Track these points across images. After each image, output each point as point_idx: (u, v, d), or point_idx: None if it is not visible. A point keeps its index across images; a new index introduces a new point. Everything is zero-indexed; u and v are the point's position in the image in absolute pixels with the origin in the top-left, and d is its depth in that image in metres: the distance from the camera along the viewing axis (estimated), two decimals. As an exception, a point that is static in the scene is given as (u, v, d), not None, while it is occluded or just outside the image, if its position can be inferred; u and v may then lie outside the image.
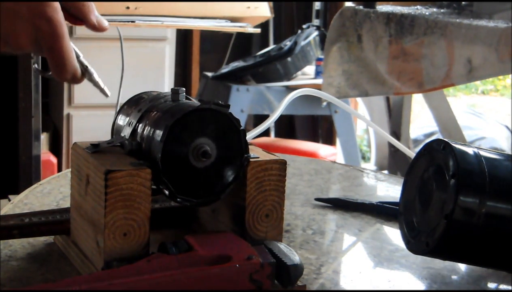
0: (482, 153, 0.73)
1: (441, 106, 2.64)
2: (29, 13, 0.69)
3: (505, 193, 0.71)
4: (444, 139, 0.74)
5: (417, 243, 0.74)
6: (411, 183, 0.79)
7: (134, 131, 0.74)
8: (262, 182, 0.73)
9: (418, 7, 2.22)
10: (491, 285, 0.79)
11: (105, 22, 0.77)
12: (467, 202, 0.69)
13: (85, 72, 0.76)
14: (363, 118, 1.72)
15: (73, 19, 0.76)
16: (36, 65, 0.81)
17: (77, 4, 0.75)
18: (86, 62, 0.76)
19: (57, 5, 0.71)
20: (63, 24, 0.72)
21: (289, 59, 3.23)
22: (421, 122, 4.18)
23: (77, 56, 0.75)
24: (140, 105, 0.76)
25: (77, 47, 0.76)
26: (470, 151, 0.72)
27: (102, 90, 0.78)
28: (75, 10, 0.76)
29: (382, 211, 0.98)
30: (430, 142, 0.76)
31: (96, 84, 0.78)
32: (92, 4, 0.76)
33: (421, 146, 0.78)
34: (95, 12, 0.77)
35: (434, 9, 2.18)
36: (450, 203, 0.69)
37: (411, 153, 1.18)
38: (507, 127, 4.07)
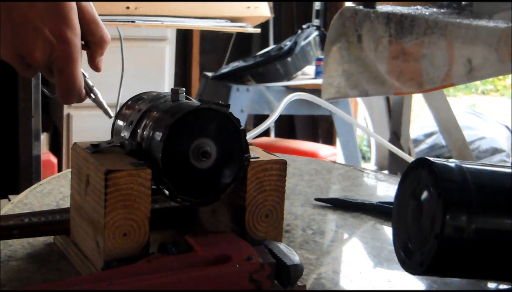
0: (466, 166, 0.72)
1: (441, 106, 2.64)
2: (50, 31, 0.70)
3: (492, 206, 0.70)
4: (427, 158, 0.73)
5: (412, 263, 0.74)
6: (401, 203, 0.78)
7: (134, 131, 0.74)
8: (262, 182, 0.73)
9: (418, 7, 2.22)
10: (491, 285, 0.79)
11: (101, 66, 0.78)
12: (455, 220, 0.68)
13: (90, 93, 0.77)
14: (360, 126, 1.71)
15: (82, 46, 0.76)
16: (44, 86, 0.81)
17: (97, 37, 0.76)
18: (91, 83, 0.77)
19: (78, 29, 0.72)
20: (79, 49, 0.72)
21: (289, 59, 3.23)
22: (421, 122, 4.18)
23: (84, 77, 0.75)
24: (140, 105, 0.76)
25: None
26: (453, 166, 0.71)
27: (106, 111, 0.79)
28: (91, 38, 0.76)
29: (382, 211, 0.98)
30: (414, 161, 0.76)
31: (100, 105, 0.79)
32: (107, 44, 0.77)
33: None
34: (103, 51, 0.77)
35: (434, 9, 2.18)
36: (439, 222, 0.69)
37: (410, 158, 1.18)
38: (507, 127, 4.07)
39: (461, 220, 0.68)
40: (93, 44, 0.76)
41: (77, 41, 0.72)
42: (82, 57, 0.73)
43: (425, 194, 0.73)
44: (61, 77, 0.72)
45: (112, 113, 0.79)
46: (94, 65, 0.78)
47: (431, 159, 0.73)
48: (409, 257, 0.74)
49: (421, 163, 0.74)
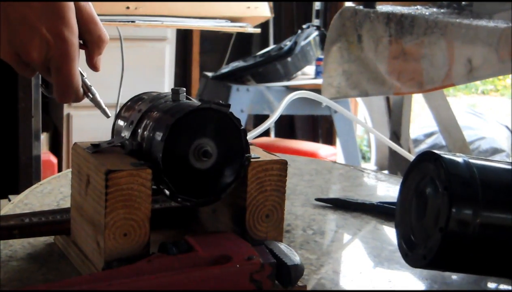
0: (473, 161, 0.72)
1: (441, 106, 2.64)
2: (47, 30, 0.70)
3: (498, 202, 0.70)
4: (434, 151, 0.74)
5: (414, 256, 0.74)
6: (405, 195, 0.78)
7: (135, 131, 0.74)
8: (262, 182, 0.73)
9: (418, 7, 2.22)
10: (491, 285, 0.79)
11: (99, 65, 0.78)
12: (461, 214, 0.69)
13: (87, 93, 0.77)
14: (362, 123, 1.71)
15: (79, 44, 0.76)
16: (42, 86, 0.81)
17: (95, 36, 0.75)
18: (89, 83, 0.77)
19: (75, 28, 0.72)
20: (77, 48, 0.72)
21: (289, 59, 3.23)
22: (421, 122, 4.18)
23: (82, 77, 0.75)
24: (140, 105, 0.76)
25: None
26: (461, 161, 0.72)
27: (103, 111, 0.79)
28: (89, 38, 0.76)
29: (382, 211, 0.98)
30: (421, 154, 0.76)
31: (97, 104, 0.78)
32: (105, 43, 0.77)
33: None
34: (101, 50, 0.77)
35: (434, 9, 2.18)
36: (444, 216, 0.69)
37: (411, 156, 1.18)
38: (507, 127, 4.07)
39: (467, 214, 0.69)
40: (91, 43, 0.76)
41: (75, 40, 0.71)
42: (79, 56, 0.73)
43: (431, 187, 0.73)
44: (58, 76, 0.72)
45: (110, 113, 0.79)
46: (92, 64, 0.77)
47: (438, 152, 0.73)
48: (412, 250, 0.74)
49: (428, 156, 0.74)
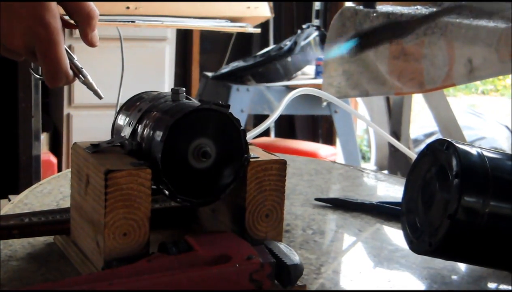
0: (485, 152, 0.73)
1: (441, 106, 2.64)
2: (28, 15, 0.70)
3: (508, 193, 0.71)
4: (447, 139, 0.74)
5: (420, 243, 0.74)
6: (413, 183, 0.79)
7: (134, 131, 0.74)
8: (262, 182, 0.73)
9: (418, 7, 2.22)
10: (491, 285, 0.79)
11: (97, 40, 0.77)
12: (470, 202, 0.69)
13: (78, 75, 0.76)
14: (363, 118, 1.72)
15: (70, 24, 0.75)
16: (33, 71, 0.81)
17: (84, 15, 0.75)
18: (79, 65, 0.76)
19: (56, 11, 0.71)
20: (60, 31, 0.72)
21: (289, 59, 3.23)
22: (421, 122, 4.18)
23: (71, 59, 0.75)
24: (140, 105, 0.76)
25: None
26: (473, 150, 0.72)
27: (96, 92, 0.78)
28: (78, 17, 0.75)
29: (382, 211, 0.98)
30: (433, 142, 0.76)
31: (89, 86, 0.78)
32: (95, 20, 0.76)
33: (422, 146, 0.79)
34: (92, 27, 0.76)
35: (434, 9, 2.18)
36: (453, 203, 0.69)
37: (411, 153, 1.18)
38: (507, 127, 4.07)
39: (477, 202, 0.69)
40: (81, 22, 0.75)
41: (57, 24, 0.71)
42: (64, 39, 0.73)
43: (440, 175, 0.73)
44: (45, 61, 0.72)
45: (103, 95, 0.79)
46: (88, 41, 0.77)
47: (452, 141, 0.73)
48: (417, 237, 0.75)
49: (440, 144, 0.74)
